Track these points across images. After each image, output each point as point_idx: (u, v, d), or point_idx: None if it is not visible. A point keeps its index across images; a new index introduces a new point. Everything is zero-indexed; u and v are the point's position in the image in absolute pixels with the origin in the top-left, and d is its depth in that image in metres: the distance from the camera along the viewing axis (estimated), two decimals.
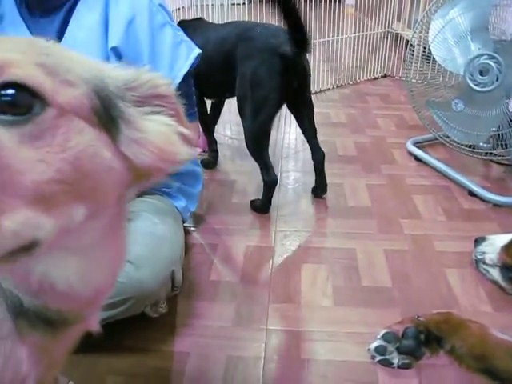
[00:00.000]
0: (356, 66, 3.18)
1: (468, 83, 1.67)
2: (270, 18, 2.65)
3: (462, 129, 1.76)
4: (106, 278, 0.49)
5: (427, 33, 1.79)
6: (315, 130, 1.67)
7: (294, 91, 1.53)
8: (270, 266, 1.39)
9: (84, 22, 1.01)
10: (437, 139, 1.92)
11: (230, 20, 2.61)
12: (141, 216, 1.10)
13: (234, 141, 2.27)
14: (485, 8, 1.64)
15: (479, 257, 1.34)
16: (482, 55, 1.64)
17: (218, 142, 2.07)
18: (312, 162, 1.72)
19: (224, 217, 1.64)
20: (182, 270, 1.35)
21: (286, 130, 2.39)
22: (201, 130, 2.03)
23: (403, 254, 1.42)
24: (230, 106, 2.37)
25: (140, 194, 1.19)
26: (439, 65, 1.79)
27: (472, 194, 1.72)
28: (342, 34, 3.10)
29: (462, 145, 1.81)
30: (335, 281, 1.32)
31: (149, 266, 0.98)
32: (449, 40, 1.67)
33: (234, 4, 2.62)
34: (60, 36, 1.01)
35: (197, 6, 2.71)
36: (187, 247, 1.49)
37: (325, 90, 2.99)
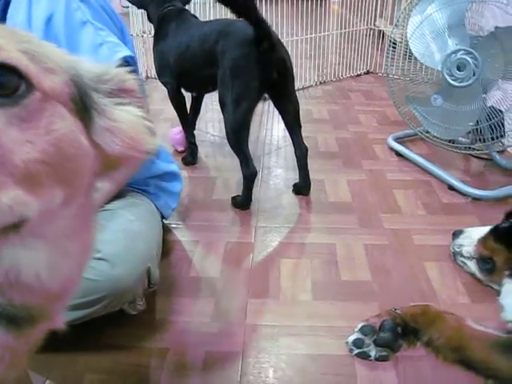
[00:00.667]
0: (339, 63, 3.20)
1: (446, 78, 1.69)
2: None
3: (441, 124, 1.78)
4: (73, 272, 0.48)
5: (407, 29, 1.80)
6: (300, 126, 1.69)
7: (275, 83, 1.55)
8: (250, 261, 1.39)
9: (15, 20, 0.97)
10: (417, 135, 1.93)
11: (212, 17, 2.62)
12: (116, 213, 1.09)
13: (216, 138, 2.26)
14: (462, 4, 1.66)
15: (457, 250, 1.35)
16: (459, 51, 1.65)
17: (200, 139, 2.06)
18: (294, 158, 1.73)
19: (205, 213, 1.64)
20: (162, 267, 1.35)
21: (269, 127, 2.39)
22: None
23: (383, 248, 1.43)
24: (213, 103, 2.37)
25: (117, 194, 1.18)
26: (418, 60, 1.80)
27: (452, 188, 1.74)
28: (326, 31, 3.11)
29: (441, 140, 1.82)
30: (315, 276, 1.33)
31: (124, 264, 0.97)
32: (426, 36, 1.69)
33: (216, 1, 2.61)
34: None
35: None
36: (169, 245, 1.48)
37: (308, 87, 3.00)
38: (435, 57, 1.70)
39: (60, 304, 0.52)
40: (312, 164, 1.82)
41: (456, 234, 1.39)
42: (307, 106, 2.62)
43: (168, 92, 1.88)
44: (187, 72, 1.72)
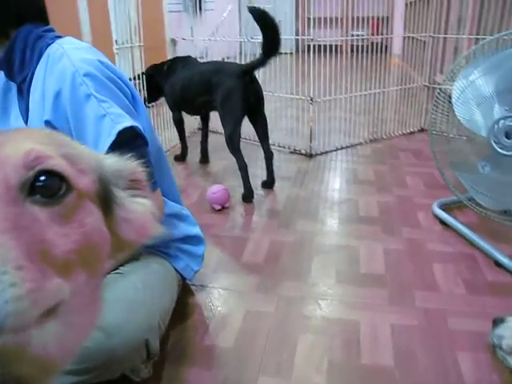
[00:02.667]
0: (393, 120, 3.13)
1: (493, 146, 1.58)
2: (312, 65, 2.71)
3: (488, 193, 1.65)
4: (77, 343, 0.50)
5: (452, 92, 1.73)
6: (267, 137, 2.31)
7: (251, 107, 2.20)
8: (267, 333, 1.33)
9: (34, 96, 1.04)
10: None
11: (278, 67, 2.76)
12: (125, 278, 1.09)
13: (258, 196, 2.26)
14: (510, 68, 1.57)
15: (496, 341, 1.20)
16: (508, 117, 1.55)
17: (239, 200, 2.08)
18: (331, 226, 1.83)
19: (231, 277, 1.61)
20: (176, 332, 1.34)
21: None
22: (220, 187, 2.06)
23: (411, 330, 1.32)
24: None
25: (135, 255, 1.19)
26: (464, 125, 1.71)
27: (499, 264, 1.59)
28: (384, 87, 3.06)
29: (489, 210, 1.69)
30: (332, 355, 1.24)
31: (120, 335, 0.96)
32: (470, 101, 1.60)
33: (281, 53, 2.74)
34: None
35: (246, 54, 2.83)
36: (188, 308, 1.47)
37: (356, 145, 2.94)
38: (480, 123, 1.60)
39: (54, 374, 0.52)
40: (349, 229, 1.78)
41: (496, 323, 1.24)
42: (353, 165, 2.57)
43: (173, 115, 2.64)
44: (188, 98, 2.39)
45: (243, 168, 2.20)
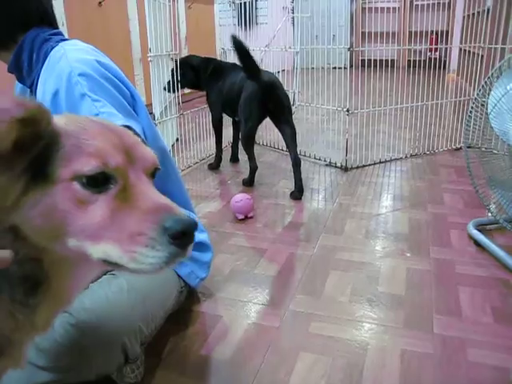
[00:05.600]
0: (439, 134, 2.96)
1: None
2: (366, 81, 2.64)
3: None
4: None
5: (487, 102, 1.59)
6: (295, 144, 2.34)
7: (272, 112, 2.34)
8: (266, 349, 1.26)
9: (38, 98, 1.05)
10: None
11: (331, 82, 2.74)
12: (115, 279, 1.07)
13: (278, 206, 2.19)
14: None
15: None
16: None
17: (264, 208, 2.02)
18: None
19: (241, 287, 1.55)
20: (176, 339, 1.31)
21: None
22: (244, 196, 2.03)
23: (424, 359, 1.19)
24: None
25: None
26: (501, 138, 1.56)
27: None
28: (433, 100, 2.91)
29: None
30: (331, 379, 1.14)
31: (93, 334, 0.93)
32: (505, 112, 1.46)
33: (334, 68, 2.72)
34: None
35: (297, 68, 2.81)
36: (192, 315, 1.43)
37: (396, 159, 2.80)
38: None
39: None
40: (373, 246, 1.71)
41: None
42: (389, 180, 2.45)
43: (212, 117, 2.75)
44: (230, 101, 2.53)
45: (253, 168, 2.45)
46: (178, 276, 1.34)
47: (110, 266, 0.54)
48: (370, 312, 1.39)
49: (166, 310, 1.22)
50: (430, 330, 1.30)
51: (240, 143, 2.68)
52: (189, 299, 1.46)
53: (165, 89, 2.61)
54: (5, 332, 0.57)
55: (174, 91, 2.61)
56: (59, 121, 0.55)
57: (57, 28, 1.15)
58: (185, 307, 1.43)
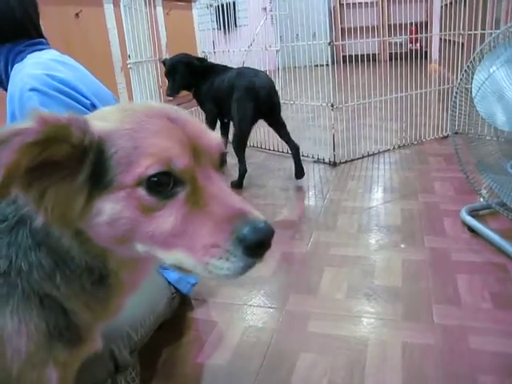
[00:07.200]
0: (425, 124, 2.95)
1: None
2: (349, 76, 2.63)
3: None
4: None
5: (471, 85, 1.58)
6: (288, 135, 2.43)
7: (266, 114, 2.35)
8: (265, 351, 1.23)
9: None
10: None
11: (314, 79, 2.75)
12: None
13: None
14: None
15: None
16: None
17: None
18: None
19: (235, 291, 1.52)
20: (172, 347, 1.27)
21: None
22: None
23: (426, 350, 1.17)
24: None
25: None
26: (487, 121, 1.55)
27: None
28: (416, 89, 2.89)
29: None
30: (333, 377, 1.12)
31: None
32: (490, 96, 1.45)
33: (316, 65, 2.72)
34: None
35: (285, 68, 2.80)
36: (187, 323, 1.39)
37: (384, 151, 2.79)
38: (503, 118, 1.45)
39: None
40: (367, 240, 1.70)
41: None
42: (378, 172, 2.43)
43: (206, 117, 2.62)
44: (221, 100, 2.45)
45: (242, 171, 2.42)
46: (169, 282, 1.31)
47: (182, 272, 0.52)
48: (368, 306, 1.36)
49: (156, 315, 1.18)
50: (430, 321, 1.27)
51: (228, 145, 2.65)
52: (182, 306, 1.42)
53: (168, 94, 2.54)
54: (83, 320, 0.60)
55: (177, 93, 2.55)
56: (101, 123, 0.50)
57: (39, 37, 1.12)
58: (179, 314, 1.40)
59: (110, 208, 0.49)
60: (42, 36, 1.12)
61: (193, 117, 0.57)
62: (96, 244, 0.53)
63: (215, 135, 0.56)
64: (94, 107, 1.03)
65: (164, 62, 2.57)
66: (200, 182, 0.50)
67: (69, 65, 1.07)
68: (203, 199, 0.49)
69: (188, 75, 2.53)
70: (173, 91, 2.52)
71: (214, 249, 0.48)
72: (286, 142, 2.45)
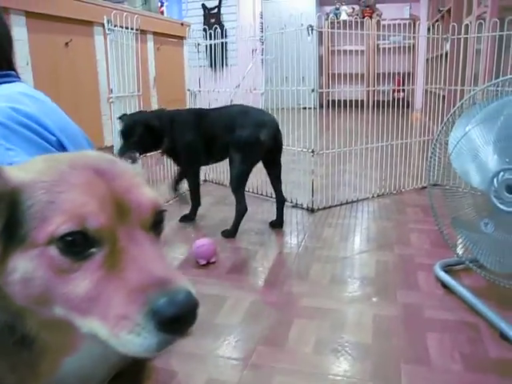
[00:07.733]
0: (405, 174, 2.97)
1: (493, 202, 1.42)
2: (333, 121, 2.65)
3: (493, 255, 1.47)
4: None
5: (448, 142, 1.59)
6: (281, 182, 2.38)
7: (269, 154, 2.27)
8: None
9: None
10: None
11: (297, 123, 2.74)
12: None
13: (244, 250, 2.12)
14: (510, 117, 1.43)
15: None
16: (509, 169, 1.39)
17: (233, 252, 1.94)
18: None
19: (198, 340, 1.44)
20: None
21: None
22: (207, 241, 1.96)
23: None
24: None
25: None
26: (462, 178, 1.56)
27: (505, 337, 1.37)
28: (398, 140, 2.93)
29: (495, 273, 1.50)
30: None
31: None
32: (465, 153, 1.46)
33: (305, 108, 2.74)
34: None
35: (273, 109, 2.82)
36: (148, 372, 1.31)
37: (363, 200, 2.79)
38: (478, 176, 1.45)
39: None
40: (339, 291, 1.67)
41: None
42: (356, 220, 2.42)
43: (189, 170, 2.43)
44: (213, 140, 2.29)
45: (241, 211, 2.24)
46: None
47: (102, 343, 0.46)
48: (335, 364, 1.31)
49: (110, 365, 1.11)
50: (398, 382, 1.22)
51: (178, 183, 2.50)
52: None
53: (118, 155, 2.37)
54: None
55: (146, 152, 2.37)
56: (19, 173, 0.47)
57: (9, 69, 1.10)
58: (137, 362, 1.32)
59: (22, 266, 0.45)
60: (12, 69, 1.10)
61: (133, 170, 0.53)
62: (14, 302, 0.48)
63: (149, 191, 0.51)
64: (59, 143, 1.00)
65: (121, 118, 2.29)
66: (121, 242, 0.45)
67: (36, 99, 1.05)
68: (122, 262, 0.44)
69: (148, 137, 2.22)
70: (124, 153, 2.34)
71: (125, 321, 0.43)
72: (274, 189, 2.39)
